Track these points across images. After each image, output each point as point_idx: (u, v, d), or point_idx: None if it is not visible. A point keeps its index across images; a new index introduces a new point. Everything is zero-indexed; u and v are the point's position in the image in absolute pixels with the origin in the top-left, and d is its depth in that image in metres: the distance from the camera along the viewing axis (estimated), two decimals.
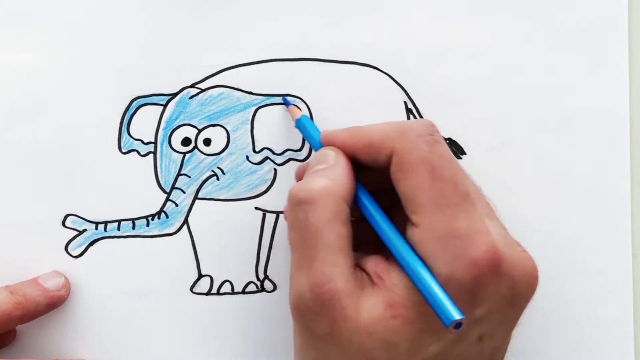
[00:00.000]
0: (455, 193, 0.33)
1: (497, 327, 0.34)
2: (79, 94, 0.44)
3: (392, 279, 0.33)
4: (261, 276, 0.44)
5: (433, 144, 0.34)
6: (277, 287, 0.44)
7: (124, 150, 0.44)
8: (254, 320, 0.44)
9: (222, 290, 0.44)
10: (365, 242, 0.36)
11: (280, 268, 0.44)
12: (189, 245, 0.44)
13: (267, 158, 0.44)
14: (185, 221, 0.44)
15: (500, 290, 0.32)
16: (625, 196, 0.44)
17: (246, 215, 0.44)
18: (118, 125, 0.44)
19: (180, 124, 0.44)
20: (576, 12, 0.44)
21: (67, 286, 0.43)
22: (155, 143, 0.44)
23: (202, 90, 0.44)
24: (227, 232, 0.44)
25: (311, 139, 0.40)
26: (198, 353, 0.44)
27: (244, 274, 0.44)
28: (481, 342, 0.33)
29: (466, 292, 0.32)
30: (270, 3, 0.44)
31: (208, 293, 0.44)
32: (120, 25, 0.44)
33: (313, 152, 0.43)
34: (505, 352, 0.36)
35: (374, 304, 0.32)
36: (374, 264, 0.34)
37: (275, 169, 0.44)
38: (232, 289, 0.44)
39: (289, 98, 0.44)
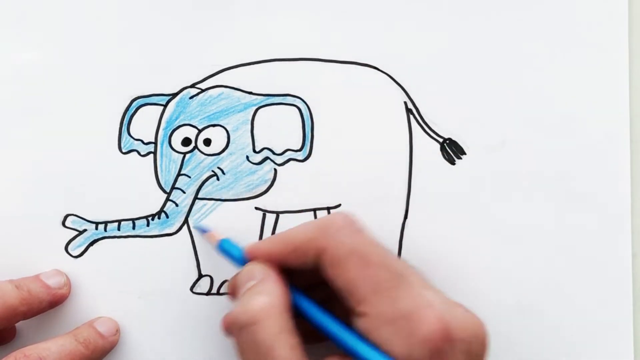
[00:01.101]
0: (390, 275, 0.34)
1: None
2: (79, 93, 0.44)
3: None
4: None
5: (355, 233, 0.36)
6: None
7: (124, 150, 0.44)
8: None
9: (222, 290, 0.44)
10: (309, 333, 0.36)
11: None
12: (189, 245, 0.44)
13: (267, 158, 0.44)
14: (185, 221, 0.44)
15: (457, 357, 0.33)
16: (625, 196, 0.44)
17: (246, 215, 0.44)
18: (118, 125, 0.44)
19: (181, 124, 0.44)
20: (576, 12, 0.44)
21: (69, 285, 0.43)
22: (155, 143, 0.44)
23: (202, 90, 0.44)
24: (227, 232, 0.44)
25: (235, 259, 0.40)
26: (198, 353, 0.44)
27: None
28: None
29: None
30: (271, 3, 0.44)
31: (208, 293, 0.44)
32: (120, 25, 0.44)
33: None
34: None
35: None
36: None
37: (275, 169, 0.44)
38: None
39: (203, 225, 0.44)
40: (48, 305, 0.42)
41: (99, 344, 0.42)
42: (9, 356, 0.38)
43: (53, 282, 0.42)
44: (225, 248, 0.41)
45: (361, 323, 0.34)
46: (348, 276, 0.35)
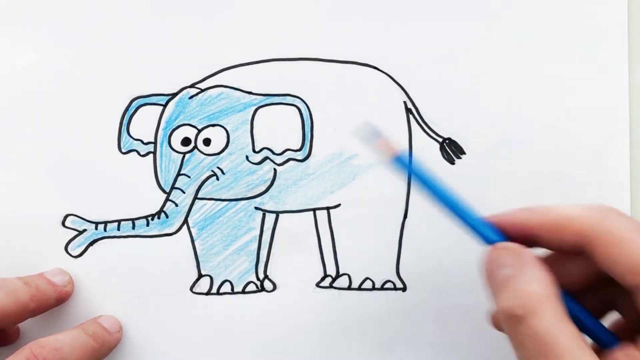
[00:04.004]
0: None
1: None
2: (79, 94, 0.44)
3: None
4: (261, 276, 0.44)
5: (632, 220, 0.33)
6: (277, 287, 0.44)
7: (123, 151, 0.44)
8: (254, 320, 0.44)
9: (222, 290, 0.44)
10: None
11: (280, 268, 0.44)
12: (189, 245, 0.44)
13: (266, 158, 0.44)
14: (185, 221, 0.44)
15: None
16: (625, 196, 0.44)
17: (246, 215, 0.44)
18: (118, 125, 0.44)
19: (180, 124, 0.44)
20: (576, 12, 0.44)
21: (72, 282, 0.44)
22: (155, 143, 0.44)
23: (202, 90, 0.44)
24: (227, 232, 0.44)
25: (457, 210, 0.36)
26: (198, 353, 0.44)
27: (244, 274, 0.44)
28: None
29: None
30: (270, 3, 0.44)
31: (208, 293, 0.44)
32: (120, 25, 0.44)
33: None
34: None
35: None
36: (623, 354, 0.32)
37: (275, 169, 0.44)
38: (232, 289, 0.44)
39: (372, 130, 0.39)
40: (54, 302, 0.42)
41: (106, 338, 0.42)
42: (25, 347, 0.38)
43: (57, 280, 0.43)
44: (434, 187, 0.36)
45: None
46: (631, 253, 0.31)
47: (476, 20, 0.44)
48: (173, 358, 0.44)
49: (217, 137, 0.44)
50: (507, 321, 0.32)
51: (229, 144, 0.44)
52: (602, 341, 0.33)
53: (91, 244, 0.44)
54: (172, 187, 0.44)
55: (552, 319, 0.31)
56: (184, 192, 0.44)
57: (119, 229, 0.44)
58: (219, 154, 0.44)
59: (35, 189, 0.44)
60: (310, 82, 0.44)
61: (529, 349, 0.31)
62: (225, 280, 0.44)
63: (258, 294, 0.44)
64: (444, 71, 0.44)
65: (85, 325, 0.42)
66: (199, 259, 0.44)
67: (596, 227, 0.32)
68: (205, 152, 0.44)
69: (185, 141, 0.44)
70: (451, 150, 0.44)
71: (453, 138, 0.44)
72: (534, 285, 0.32)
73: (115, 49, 0.44)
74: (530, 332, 0.31)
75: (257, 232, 0.44)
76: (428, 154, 0.44)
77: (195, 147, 0.44)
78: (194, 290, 0.44)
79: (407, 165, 0.37)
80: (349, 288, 0.44)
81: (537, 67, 0.44)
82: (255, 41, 0.44)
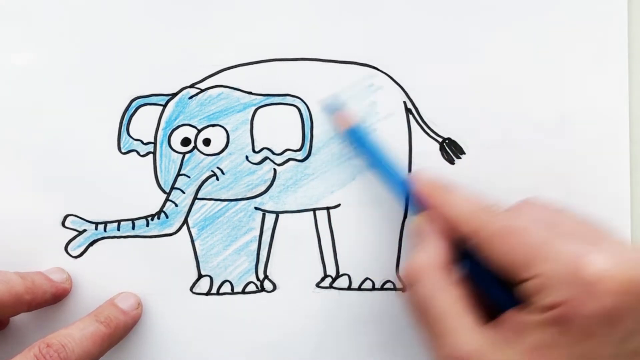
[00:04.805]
0: (542, 238, 0.34)
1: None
2: (78, 93, 0.44)
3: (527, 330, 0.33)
4: (261, 276, 0.44)
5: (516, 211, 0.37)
6: (277, 287, 0.44)
7: (123, 151, 0.44)
8: (254, 320, 0.44)
9: (221, 290, 0.44)
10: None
11: (280, 268, 0.44)
12: (189, 245, 0.44)
13: (266, 158, 0.44)
14: (185, 221, 0.44)
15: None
16: (625, 196, 0.44)
17: (246, 216, 0.44)
18: (117, 126, 0.44)
19: (180, 124, 0.44)
20: (576, 12, 0.44)
21: (70, 280, 0.44)
22: (154, 143, 0.44)
23: (202, 90, 0.44)
24: (227, 232, 0.44)
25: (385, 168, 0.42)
26: (197, 353, 0.44)
27: (243, 274, 0.44)
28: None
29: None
30: (270, 3, 0.44)
31: (208, 293, 0.44)
32: (120, 25, 0.44)
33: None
34: None
35: (513, 355, 0.33)
36: (508, 316, 0.34)
37: (274, 169, 0.44)
38: (232, 289, 0.44)
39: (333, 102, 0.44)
40: (51, 297, 0.42)
41: (120, 320, 0.42)
42: (33, 346, 0.38)
43: (55, 277, 0.43)
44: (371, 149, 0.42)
45: (527, 287, 0.33)
46: (499, 253, 0.34)
47: (476, 20, 0.44)
48: (173, 358, 0.44)
49: (217, 137, 0.44)
50: (403, 285, 0.37)
51: (229, 144, 0.44)
52: (502, 303, 0.35)
53: (91, 244, 0.44)
54: (172, 187, 0.44)
55: (431, 287, 0.35)
56: (183, 192, 0.44)
57: (119, 229, 0.44)
58: (218, 154, 0.44)
59: (35, 189, 0.44)
60: (310, 82, 0.44)
61: (414, 313, 0.36)
62: (225, 281, 0.44)
63: (258, 294, 0.44)
64: (444, 71, 0.44)
65: (99, 310, 0.42)
66: (199, 259, 0.44)
67: (477, 235, 0.36)
68: (205, 152, 0.44)
69: (185, 141, 0.44)
70: (451, 150, 0.44)
71: (453, 138, 0.44)
72: (421, 256, 0.37)
73: (115, 49, 0.44)
74: (413, 298, 0.36)
75: (257, 232, 0.44)
76: (428, 154, 0.44)
77: (195, 147, 0.44)
78: (194, 290, 0.44)
79: (359, 139, 0.43)
80: (349, 288, 0.44)
81: (537, 67, 0.44)
82: (255, 41, 0.44)
